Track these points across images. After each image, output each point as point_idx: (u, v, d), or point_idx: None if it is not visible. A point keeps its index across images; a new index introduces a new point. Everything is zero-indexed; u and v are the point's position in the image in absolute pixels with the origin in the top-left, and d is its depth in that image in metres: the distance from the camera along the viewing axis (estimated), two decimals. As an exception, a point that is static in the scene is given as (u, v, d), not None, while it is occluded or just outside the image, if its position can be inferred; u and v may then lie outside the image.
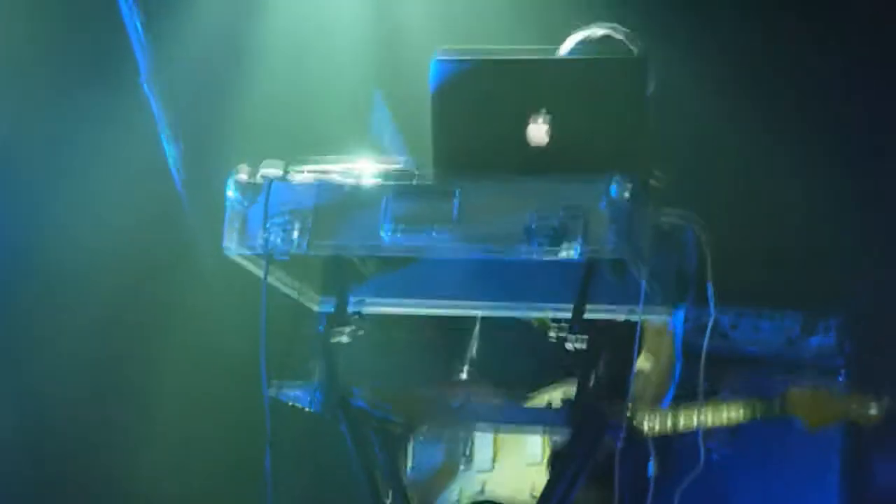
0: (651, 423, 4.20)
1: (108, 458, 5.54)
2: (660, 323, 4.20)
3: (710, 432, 4.36)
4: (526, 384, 4.13)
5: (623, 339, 3.42)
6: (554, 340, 3.24)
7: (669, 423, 4.21)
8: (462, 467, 4.17)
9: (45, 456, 5.38)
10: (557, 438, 3.95)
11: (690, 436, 4.08)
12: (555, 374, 4.04)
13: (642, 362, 4.23)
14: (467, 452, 4.20)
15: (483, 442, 4.16)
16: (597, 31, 4.19)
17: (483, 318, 4.29)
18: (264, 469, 3.21)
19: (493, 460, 4.14)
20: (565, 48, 4.20)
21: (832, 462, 5.21)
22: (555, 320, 3.26)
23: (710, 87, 5.87)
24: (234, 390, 4.22)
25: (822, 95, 5.95)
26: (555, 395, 3.99)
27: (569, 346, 3.23)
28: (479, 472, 4.17)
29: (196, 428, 5.62)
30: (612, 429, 3.36)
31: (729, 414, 4.24)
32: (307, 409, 3.47)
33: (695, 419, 4.16)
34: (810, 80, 5.95)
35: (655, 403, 4.17)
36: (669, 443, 4.14)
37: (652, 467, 3.55)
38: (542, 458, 4.05)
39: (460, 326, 4.21)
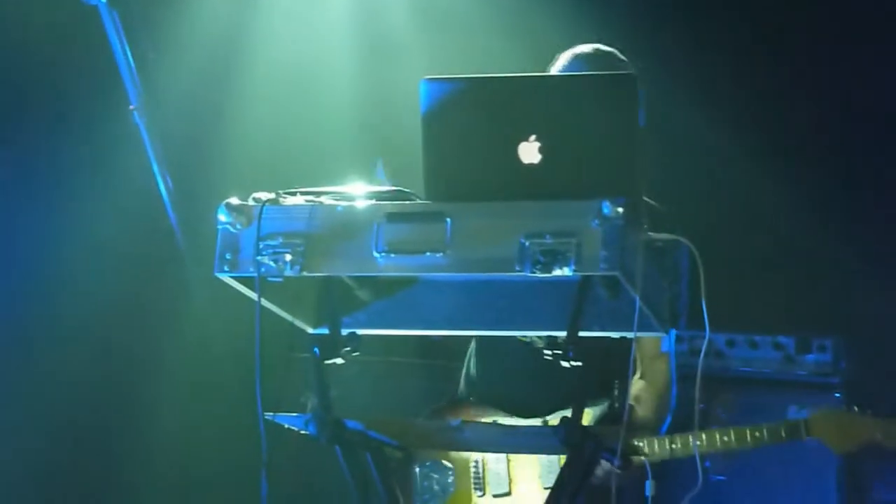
0: (651, 450, 4.16)
1: (107, 479, 5.58)
2: (654, 349, 4.18)
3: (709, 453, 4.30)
4: (534, 408, 4.11)
5: (616, 359, 3.40)
6: (549, 359, 3.22)
7: (668, 449, 4.17)
8: (478, 493, 4.13)
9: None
10: None
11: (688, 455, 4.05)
12: (565, 397, 4.01)
13: (639, 390, 4.20)
14: (479, 478, 4.15)
15: (497, 467, 4.12)
16: (584, 47, 4.19)
17: (480, 339, 4.26)
18: (261, 492, 3.19)
19: (509, 485, 4.10)
20: (557, 66, 4.20)
21: (830, 481, 5.19)
22: (550, 339, 3.25)
23: (703, 108, 5.89)
24: (230, 414, 4.21)
25: (817, 118, 5.96)
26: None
27: (564, 364, 3.22)
28: (495, 497, 4.13)
29: (193, 450, 5.63)
30: (608, 451, 3.34)
31: (737, 439, 4.18)
32: (302, 432, 3.46)
33: (702, 445, 4.10)
34: (808, 103, 5.96)
35: (654, 430, 4.14)
36: (667, 463, 4.11)
37: (649, 487, 3.52)
38: None
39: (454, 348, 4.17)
